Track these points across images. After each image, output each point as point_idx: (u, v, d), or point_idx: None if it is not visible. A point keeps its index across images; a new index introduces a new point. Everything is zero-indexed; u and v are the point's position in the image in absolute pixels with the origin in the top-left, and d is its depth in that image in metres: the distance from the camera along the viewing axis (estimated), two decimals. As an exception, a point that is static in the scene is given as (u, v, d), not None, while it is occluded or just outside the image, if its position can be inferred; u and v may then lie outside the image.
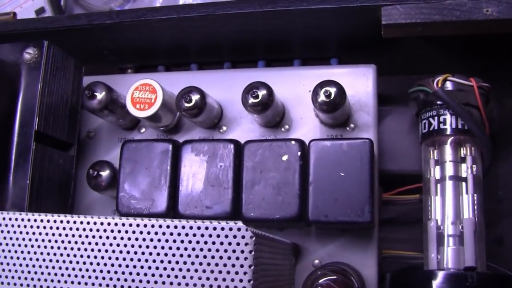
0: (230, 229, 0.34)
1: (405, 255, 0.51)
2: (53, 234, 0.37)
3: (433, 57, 0.55)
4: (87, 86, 0.51)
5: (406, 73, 0.57)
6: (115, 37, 0.55)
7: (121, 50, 0.58)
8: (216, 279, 0.33)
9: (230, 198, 0.47)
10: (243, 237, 0.34)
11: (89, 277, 0.36)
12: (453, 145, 0.48)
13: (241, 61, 0.58)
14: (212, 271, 0.34)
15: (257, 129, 0.52)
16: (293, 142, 0.47)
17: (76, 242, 0.36)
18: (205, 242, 0.34)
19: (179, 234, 0.35)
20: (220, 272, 0.33)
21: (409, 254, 0.51)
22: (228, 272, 0.33)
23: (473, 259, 0.45)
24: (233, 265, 0.33)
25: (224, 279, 0.33)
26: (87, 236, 0.36)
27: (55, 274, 0.36)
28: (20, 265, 0.37)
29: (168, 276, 0.34)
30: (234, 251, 0.34)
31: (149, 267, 0.35)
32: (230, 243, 0.34)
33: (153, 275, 0.35)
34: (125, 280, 0.35)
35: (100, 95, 0.50)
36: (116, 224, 0.36)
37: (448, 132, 0.48)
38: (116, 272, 0.35)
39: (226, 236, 0.34)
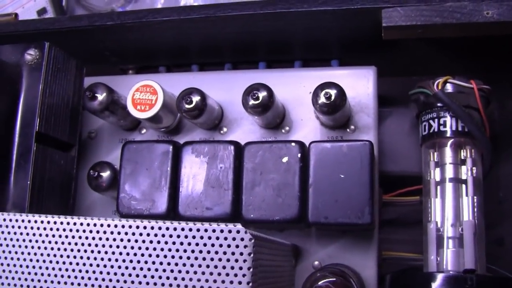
0: (230, 231, 0.34)
1: (405, 257, 0.51)
2: (54, 236, 0.37)
3: (434, 58, 0.55)
4: (88, 87, 0.51)
5: (406, 75, 0.57)
6: (116, 38, 0.55)
7: (122, 51, 0.58)
8: (215, 281, 0.34)
9: (230, 199, 0.47)
10: (242, 239, 0.34)
11: (89, 278, 0.36)
12: (453, 147, 0.48)
13: (242, 62, 0.58)
14: (211, 273, 0.34)
15: (257, 131, 0.52)
16: (293, 144, 0.47)
17: (76, 244, 0.36)
18: (205, 244, 0.34)
19: (178, 236, 0.35)
20: (219, 274, 0.34)
21: (409, 256, 0.51)
22: (227, 274, 0.33)
23: (473, 261, 0.45)
24: (232, 267, 0.33)
25: (223, 281, 0.33)
26: (87, 238, 0.36)
27: (55, 275, 0.36)
28: (21, 266, 0.37)
29: (168, 278, 0.34)
30: (233, 253, 0.34)
31: (149, 269, 0.35)
32: (229, 245, 0.34)
33: (152, 276, 0.35)
34: (125, 281, 0.35)
35: (101, 96, 0.50)
36: (116, 226, 0.36)
37: (448, 134, 0.48)
38: (115, 274, 0.35)
39: (226, 238, 0.34)
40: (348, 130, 0.50)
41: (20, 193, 0.46)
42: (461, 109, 0.47)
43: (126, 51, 0.58)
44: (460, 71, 0.50)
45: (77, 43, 0.54)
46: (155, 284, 0.35)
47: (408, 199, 0.52)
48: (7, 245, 0.38)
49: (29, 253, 0.37)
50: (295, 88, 0.52)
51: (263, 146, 0.47)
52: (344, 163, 0.45)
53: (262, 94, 0.47)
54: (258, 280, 0.35)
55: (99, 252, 0.36)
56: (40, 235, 0.37)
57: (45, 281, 0.37)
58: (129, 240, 0.36)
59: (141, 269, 0.35)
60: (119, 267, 0.35)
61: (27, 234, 0.38)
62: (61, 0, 0.80)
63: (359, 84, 0.50)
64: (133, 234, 0.36)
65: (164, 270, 0.35)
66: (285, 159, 0.46)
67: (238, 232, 0.34)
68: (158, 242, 0.35)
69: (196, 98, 0.49)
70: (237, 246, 0.34)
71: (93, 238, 0.36)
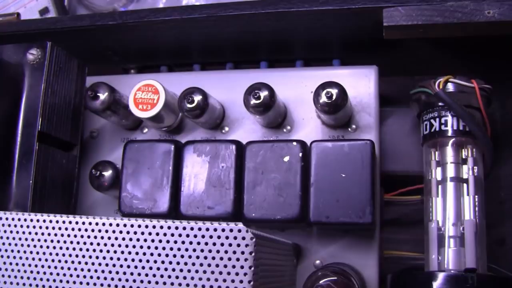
0: (231, 230, 0.34)
1: (406, 256, 0.51)
2: (55, 235, 0.37)
3: (435, 58, 0.55)
4: (90, 87, 0.51)
5: (408, 74, 0.57)
6: (118, 38, 0.55)
7: (124, 50, 0.58)
8: (216, 280, 0.34)
9: (231, 198, 0.47)
10: (243, 238, 0.34)
11: (91, 277, 0.36)
12: (454, 147, 0.48)
13: (243, 62, 0.58)
14: (212, 272, 0.34)
15: (259, 130, 0.52)
16: (294, 143, 0.47)
17: (78, 243, 0.37)
18: (206, 243, 0.34)
19: (179, 235, 0.35)
20: (220, 273, 0.34)
21: (410, 255, 0.51)
22: (229, 273, 0.34)
23: (474, 260, 0.45)
24: (234, 266, 0.34)
25: (224, 280, 0.34)
26: (89, 237, 0.36)
27: (57, 274, 0.37)
28: (23, 265, 0.37)
29: (169, 276, 0.35)
30: (234, 252, 0.34)
31: (150, 268, 0.35)
32: (230, 244, 0.34)
33: (154, 275, 0.35)
34: (126, 280, 0.35)
35: (103, 96, 0.51)
36: (118, 225, 0.36)
37: (450, 133, 0.48)
38: (117, 273, 0.35)
39: (227, 237, 0.34)
40: (349, 129, 0.50)
41: (22, 192, 0.46)
42: (462, 109, 0.47)
43: (128, 51, 0.58)
44: (461, 70, 0.50)
45: (79, 43, 0.54)
46: (156, 283, 0.35)
47: (409, 199, 0.52)
48: (10, 244, 0.38)
49: (31, 252, 0.37)
50: (297, 87, 0.52)
51: (265, 145, 0.47)
52: (345, 163, 0.45)
53: (263, 94, 0.47)
54: (259, 279, 0.35)
55: (101, 251, 0.36)
56: (42, 234, 0.37)
57: (47, 280, 0.37)
58: (131, 239, 0.36)
59: (143, 268, 0.35)
60: (121, 266, 0.36)
61: (29, 233, 0.38)
62: (63, -1, 0.80)
63: (360, 84, 0.50)
64: (135, 233, 0.36)
65: (166, 269, 0.35)
66: (286, 159, 0.46)
67: (239, 231, 0.34)
68: (160, 241, 0.35)
69: (197, 98, 0.49)
70: (238, 245, 0.34)
71: (95, 237, 0.36)
